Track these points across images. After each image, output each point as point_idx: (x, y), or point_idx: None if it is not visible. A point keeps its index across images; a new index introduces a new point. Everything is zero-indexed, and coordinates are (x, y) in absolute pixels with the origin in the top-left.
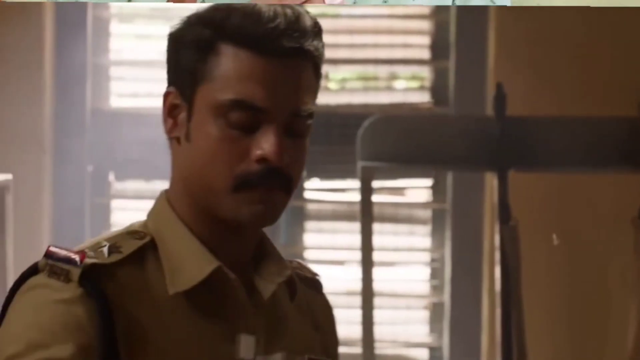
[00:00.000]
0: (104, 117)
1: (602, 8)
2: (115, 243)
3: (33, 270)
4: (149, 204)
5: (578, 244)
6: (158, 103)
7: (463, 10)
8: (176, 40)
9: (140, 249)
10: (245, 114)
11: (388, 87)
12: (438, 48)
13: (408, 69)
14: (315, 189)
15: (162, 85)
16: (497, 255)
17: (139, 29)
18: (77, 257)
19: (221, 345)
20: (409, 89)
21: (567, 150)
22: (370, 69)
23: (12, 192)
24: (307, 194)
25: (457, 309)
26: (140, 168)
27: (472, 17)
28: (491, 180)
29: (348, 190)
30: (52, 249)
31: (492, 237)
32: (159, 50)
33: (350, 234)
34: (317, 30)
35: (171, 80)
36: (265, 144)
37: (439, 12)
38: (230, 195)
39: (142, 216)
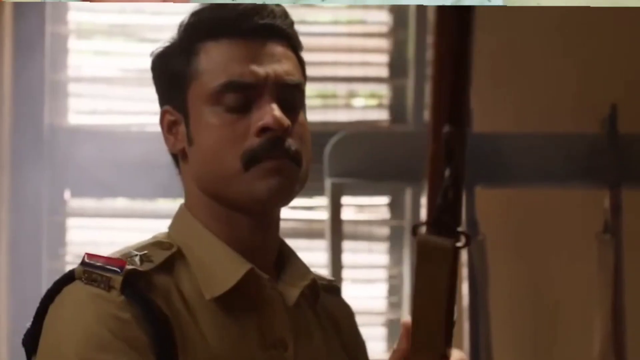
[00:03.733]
0: (62, 133)
1: (567, 27)
2: (145, 253)
3: (69, 278)
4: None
5: (544, 259)
6: (117, 120)
7: (421, 28)
8: (160, 60)
9: (169, 259)
10: (237, 94)
11: (347, 104)
12: (396, 66)
13: (367, 87)
14: None
15: (120, 102)
16: (463, 271)
17: (98, 45)
18: (117, 265)
19: (257, 349)
20: (368, 106)
21: (533, 166)
22: (329, 87)
23: None
24: None
25: None
26: (98, 186)
27: (430, 35)
28: None
29: (313, 207)
30: (90, 256)
31: None
32: (118, 66)
33: (310, 252)
34: (285, 13)
35: (164, 100)
36: (263, 115)
37: (397, 31)
38: (242, 176)
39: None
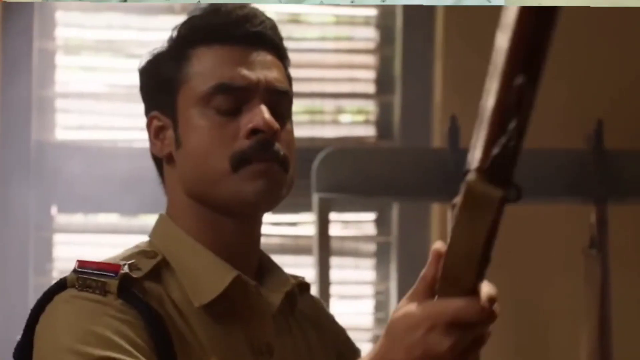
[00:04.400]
0: (49, 149)
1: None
2: (133, 262)
3: (60, 286)
4: (93, 238)
5: (530, 274)
6: (104, 136)
7: (408, 45)
8: (150, 66)
9: (156, 267)
10: (227, 96)
11: (334, 120)
12: (383, 82)
13: (354, 103)
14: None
15: (108, 118)
16: None
17: (85, 61)
18: (111, 270)
19: (246, 353)
20: (355, 122)
21: (520, 181)
22: (316, 103)
23: None
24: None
25: None
26: (85, 201)
27: (417, 51)
28: (437, 213)
29: (300, 223)
30: (82, 262)
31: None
32: (106, 82)
33: (297, 268)
34: (275, 27)
35: (152, 106)
36: (253, 117)
37: (384, 47)
38: (231, 177)
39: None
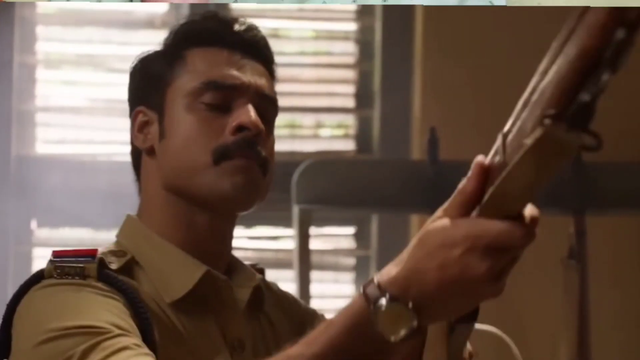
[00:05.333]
0: (29, 163)
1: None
2: (104, 258)
3: (38, 278)
4: None
5: (510, 285)
6: (84, 150)
7: (387, 59)
8: (142, 63)
9: (126, 264)
10: (217, 94)
11: (314, 135)
12: (363, 97)
13: (333, 117)
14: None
15: (88, 132)
16: None
17: (66, 75)
18: (89, 254)
19: (220, 347)
20: (334, 136)
21: None
22: (296, 117)
23: None
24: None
25: None
26: (65, 216)
27: (396, 65)
28: (416, 225)
29: (280, 237)
30: (57, 252)
31: None
32: (86, 96)
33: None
34: (268, 44)
35: (139, 100)
36: (240, 115)
37: (363, 62)
38: (211, 169)
39: None
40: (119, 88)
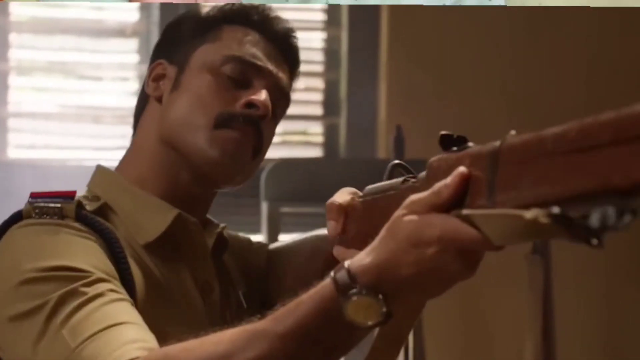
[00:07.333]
0: (1, 167)
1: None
2: (79, 201)
3: (16, 218)
4: None
5: (474, 281)
6: (55, 155)
7: (354, 67)
8: (178, 24)
9: (100, 208)
10: (239, 67)
11: (283, 141)
12: (330, 105)
13: (301, 125)
14: None
15: (59, 138)
16: None
17: (38, 82)
18: (67, 195)
19: (191, 289)
20: (301, 143)
21: None
22: None
23: None
24: None
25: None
26: None
27: (362, 74)
28: None
29: None
30: (35, 194)
31: None
32: (57, 102)
33: None
34: (297, 43)
35: (161, 54)
36: (254, 93)
37: (330, 71)
38: (209, 132)
39: None
40: (90, 95)
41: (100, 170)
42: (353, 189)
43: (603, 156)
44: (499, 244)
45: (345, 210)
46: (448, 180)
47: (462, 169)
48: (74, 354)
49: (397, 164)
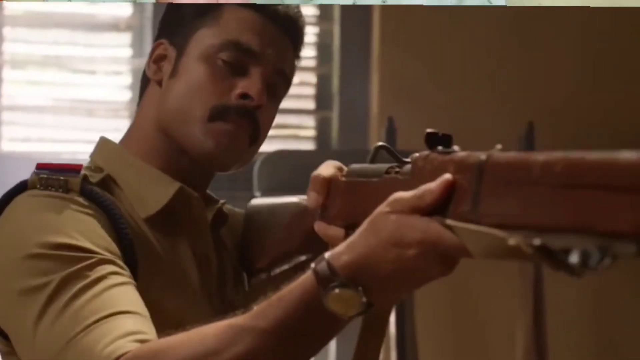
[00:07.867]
0: None
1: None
2: (84, 175)
3: (21, 188)
4: None
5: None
6: (48, 148)
7: (346, 61)
8: (184, 3)
9: (103, 180)
10: (237, 53)
11: (277, 135)
12: (322, 99)
13: (294, 119)
14: None
15: (52, 131)
16: None
17: (31, 76)
18: (73, 168)
19: (191, 262)
20: (294, 137)
21: None
22: None
23: None
24: None
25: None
26: None
27: (354, 70)
28: None
29: None
30: (42, 165)
31: None
32: (51, 96)
33: None
34: (303, 18)
35: (163, 33)
36: (250, 84)
37: (322, 66)
38: (204, 125)
39: None
40: (83, 88)
41: (103, 141)
42: (338, 163)
43: (587, 197)
44: (477, 257)
45: (328, 184)
46: (433, 185)
47: (447, 176)
48: (70, 344)
49: (381, 145)
